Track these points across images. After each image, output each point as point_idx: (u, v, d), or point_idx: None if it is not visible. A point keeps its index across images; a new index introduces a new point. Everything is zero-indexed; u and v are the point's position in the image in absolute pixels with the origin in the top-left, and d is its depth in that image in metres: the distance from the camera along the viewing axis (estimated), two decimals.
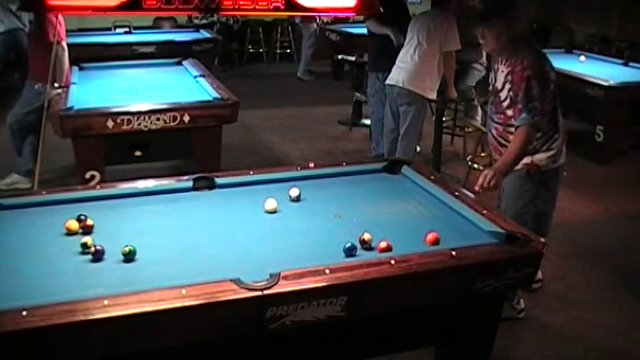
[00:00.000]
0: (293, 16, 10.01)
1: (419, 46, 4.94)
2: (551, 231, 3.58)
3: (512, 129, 3.16)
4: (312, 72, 9.88)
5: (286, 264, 2.15)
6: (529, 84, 3.06)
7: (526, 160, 3.21)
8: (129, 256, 2.26)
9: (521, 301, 3.49)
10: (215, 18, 9.83)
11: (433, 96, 5.10)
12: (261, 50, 10.89)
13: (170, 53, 6.37)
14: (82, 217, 2.51)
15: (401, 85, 5.01)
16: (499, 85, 3.24)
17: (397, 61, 5.08)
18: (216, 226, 2.61)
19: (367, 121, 6.56)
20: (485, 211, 2.61)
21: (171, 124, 4.20)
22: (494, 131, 3.34)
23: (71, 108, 4.14)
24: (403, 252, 2.26)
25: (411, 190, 2.99)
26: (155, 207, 2.80)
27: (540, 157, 3.23)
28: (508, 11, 3.20)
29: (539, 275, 3.75)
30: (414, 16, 5.27)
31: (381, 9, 4.41)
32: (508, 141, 3.19)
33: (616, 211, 5.06)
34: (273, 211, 2.72)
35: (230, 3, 3.85)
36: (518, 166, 3.19)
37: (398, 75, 5.05)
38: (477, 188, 2.91)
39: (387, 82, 5.16)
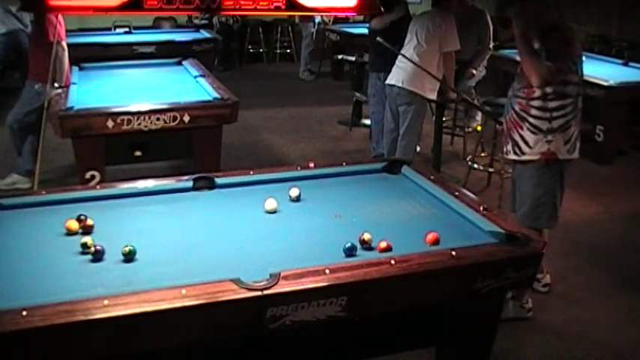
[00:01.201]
0: (293, 16, 10.02)
1: (418, 47, 4.94)
2: (551, 231, 3.59)
3: (535, 102, 3.27)
4: (313, 71, 9.88)
5: (286, 264, 2.14)
6: (554, 50, 3.21)
7: (543, 149, 3.31)
8: (129, 256, 2.26)
9: (530, 300, 3.49)
10: (215, 18, 9.83)
11: (433, 96, 5.09)
12: (261, 50, 10.89)
13: (170, 53, 6.36)
14: (82, 217, 2.51)
15: (400, 85, 5.02)
16: None
17: (397, 61, 5.08)
18: (216, 226, 2.61)
19: (367, 121, 6.56)
20: (485, 211, 2.61)
21: (171, 124, 4.20)
22: (517, 106, 3.38)
23: (71, 108, 4.13)
24: (403, 252, 2.26)
25: (411, 190, 2.99)
26: (155, 207, 2.79)
27: (558, 144, 3.30)
28: None
29: (547, 280, 3.76)
30: (414, 17, 5.27)
31: (382, 9, 4.42)
32: (529, 114, 3.30)
33: (616, 211, 5.06)
34: (273, 211, 2.72)
35: (231, 3, 3.85)
36: (537, 157, 3.32)
37: (398, 75, 5.05)
38: None
39: (387, 82, 5.16)
